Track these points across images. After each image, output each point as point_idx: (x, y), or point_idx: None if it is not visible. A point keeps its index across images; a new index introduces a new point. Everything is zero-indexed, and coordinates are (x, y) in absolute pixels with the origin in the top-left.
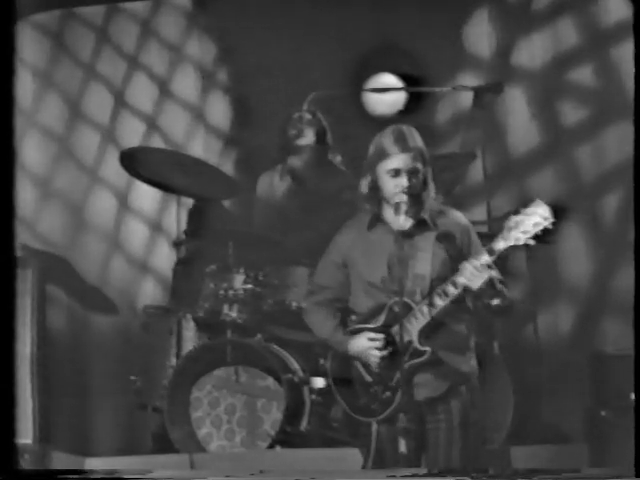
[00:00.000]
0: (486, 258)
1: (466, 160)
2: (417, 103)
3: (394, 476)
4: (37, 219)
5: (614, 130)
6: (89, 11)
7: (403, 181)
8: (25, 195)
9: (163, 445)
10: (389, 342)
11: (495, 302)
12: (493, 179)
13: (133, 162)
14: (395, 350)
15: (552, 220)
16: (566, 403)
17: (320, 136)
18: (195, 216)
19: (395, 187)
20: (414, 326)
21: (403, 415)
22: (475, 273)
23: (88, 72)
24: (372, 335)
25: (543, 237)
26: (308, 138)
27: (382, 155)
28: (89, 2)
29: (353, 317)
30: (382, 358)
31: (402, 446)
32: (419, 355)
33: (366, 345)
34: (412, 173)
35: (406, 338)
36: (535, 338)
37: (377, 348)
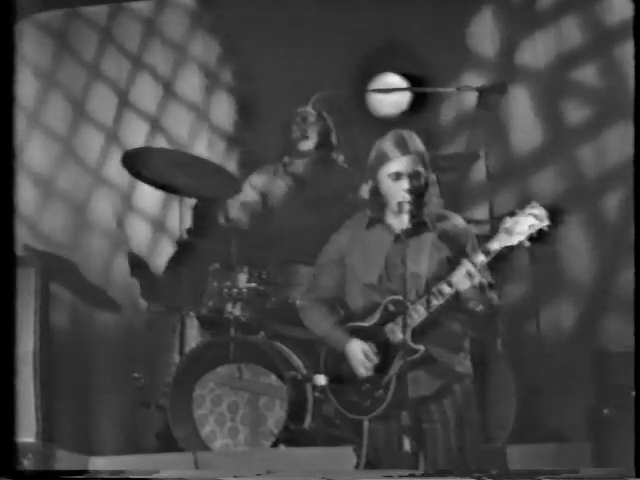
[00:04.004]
0: (482, 259)
1: (469, 160)
2: (421, 103)
3: (398, 476)
4: (40, 219)
5: (617, 129)
6: (93, 10)
7: (404, 184)
8: (28, 195)
9: (167, 443)
10: (380, 361)
11: (480, 308)
12: (496, 179)
13: (135, 163)
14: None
15: (548, 222)
16: (568, 401)
17: (324, 137)
18: (198, 215)
19: (397, 191)
20: (409, 325)
21: (406, 413)
22: (470, 273)
23: (92, 72)
24: (368, 352)
25: (539, 238)
26: (311, 141)
27: (383, 159)
28: (93, 1)
29: (349, 319)
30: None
31: (407, 444)
32: (412, 353)
33: (360, 358)
34: (413, 176)
35: (400, 336)
36: (537, 336)
37: (365, 366)
